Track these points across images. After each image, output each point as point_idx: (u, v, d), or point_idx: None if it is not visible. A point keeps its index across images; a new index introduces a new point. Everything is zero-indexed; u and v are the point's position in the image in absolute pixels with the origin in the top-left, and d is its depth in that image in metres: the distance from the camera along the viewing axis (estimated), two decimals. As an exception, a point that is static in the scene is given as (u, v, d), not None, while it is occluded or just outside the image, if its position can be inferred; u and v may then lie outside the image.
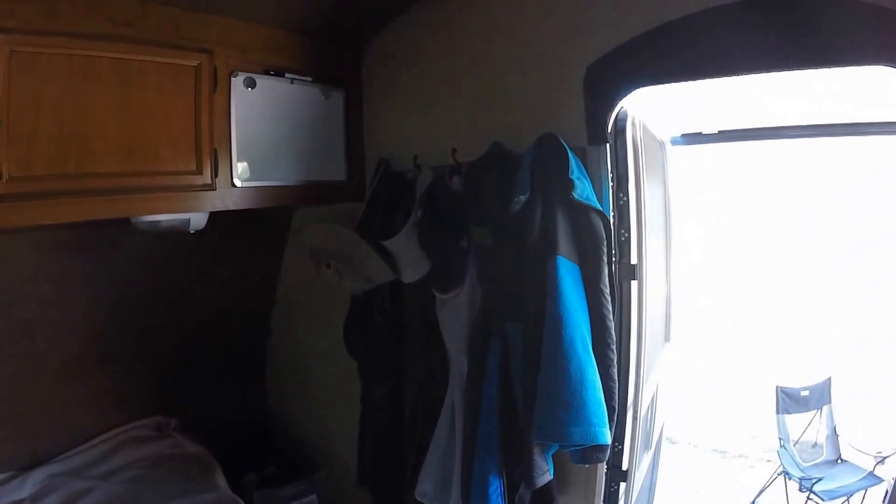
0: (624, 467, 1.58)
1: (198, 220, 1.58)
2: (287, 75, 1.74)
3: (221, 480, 1.94)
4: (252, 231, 1.87)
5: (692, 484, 4.07)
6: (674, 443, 4.50)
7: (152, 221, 1.51)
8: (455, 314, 1.58)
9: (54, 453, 2.08)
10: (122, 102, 1.42)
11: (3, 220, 1.27)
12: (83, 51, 1.34)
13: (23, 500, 1.88)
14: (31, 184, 1.29)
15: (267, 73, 1.68)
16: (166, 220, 1.52)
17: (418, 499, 1.62)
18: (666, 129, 1.99)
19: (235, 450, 2.18)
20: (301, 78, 1.77)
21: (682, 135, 1.99)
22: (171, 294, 2.04)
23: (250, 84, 1.62)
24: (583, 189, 1.32)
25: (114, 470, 1.99)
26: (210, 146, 1.52)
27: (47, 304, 1.81)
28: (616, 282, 1.42)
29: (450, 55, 1.73)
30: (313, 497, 2.23)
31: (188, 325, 2.14)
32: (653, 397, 1.93)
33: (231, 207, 1.58)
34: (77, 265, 1.79)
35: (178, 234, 1.62)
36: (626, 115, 1.48)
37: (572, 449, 1.34)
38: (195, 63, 1.52)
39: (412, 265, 1.66)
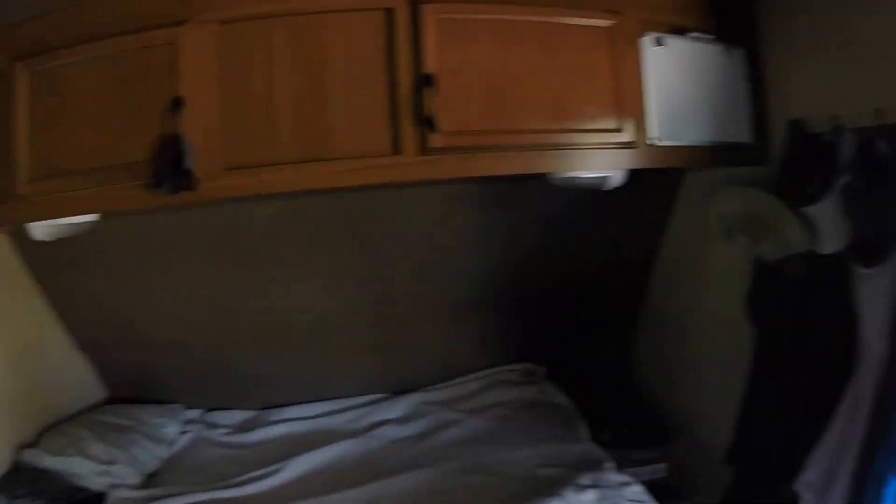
0: None
1: (614, 178, 1.63)
2: (691, 34, 1.67)
3: (585, 433, 1.99)
4: (640, 192, 1.86)
5: None
6: None
7: (570, 178, 1.60)
8: (877, 291, 1.42)
9: (426, 383, 2.40)
10: (545, 63, 1.53)
11: (441, 171, 1.48)
12: (507, 16, 1.49)
13: (392, 419, 2.24)
14: (465, 138, 1.46)
15: (673, 32, 1.64)
16: (586, 177, 1.60)
17: (798, 490, 1.49)
18: None
19: (594, 405, 2.22)
20: (704, 36, 1.69)
21: None
22: (556, 249, 2.18)
23: (660, 44, 1.61)
24: None
25: (483, 406, 2.21)
26: (629, 105, 1.55)
27: (446, 252, 2.09)
28: None
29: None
30: (663, 465, 2.15)
31: (567, 281, 2.27)
32: None
33: (647, 166, 1.60)
34: (478, 217, 2.04)
35: (574, 192, 1.71)
36: None
37: None
38: (609, 24, 1.56)
39: (832, 235, 1.48)
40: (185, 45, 1.45)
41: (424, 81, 1.40)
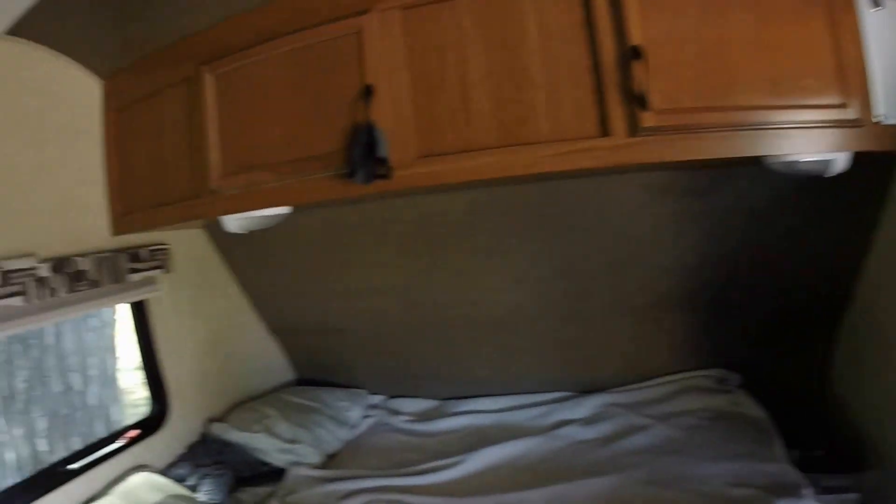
0: None
1: (838, 162, 1.38)
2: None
3: (781, 452, 1.77)
4: (855, 182, 1.59)
5: None
6: None
7: (790, 162, 1.38)
8: None
9: (613, 384, 2.26)
10: (757, 31, 1.30)
11: (652, 153, 1.30)
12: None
13: (577, 419, 2.13)
14: (677, 116, 1.27)
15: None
16: (807, 161, 1.38)
17: None
18: None
19: (786, 421, 1.97)
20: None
21: None
22: (760, 247, 1.92)
23: (877, 5, 1.32)
24: None
25: (671, 413, 2.02)
26: (851, 77, 1.28)
27: (643, 245, 1.92)
28: None
29: None
30: (856, 496, 1.85)
31: (767, 284, 2.02)
32: None
33: (876, 148, 1.33)
34: (677, 207, 1.83)
35: (787, 180, 1.47)
36: None
37: None
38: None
39: None
40: (369, 34, 1.43)
41: (632, 54, 1.25)
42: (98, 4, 1.61)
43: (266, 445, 2.12)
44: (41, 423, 2.34)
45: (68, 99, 1.89)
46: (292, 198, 1.54)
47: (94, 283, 1.84)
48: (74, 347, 2.47)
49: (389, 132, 1.37)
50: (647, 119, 1.24)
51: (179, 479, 2.01)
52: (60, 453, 2.33)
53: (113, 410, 2.66)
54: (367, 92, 1.39)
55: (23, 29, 1.66)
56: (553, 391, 2.33)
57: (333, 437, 2.23)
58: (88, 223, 1.91)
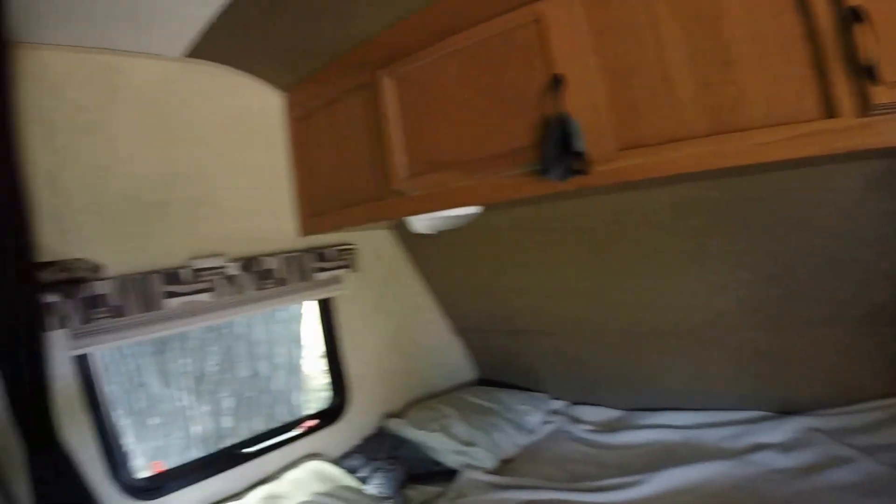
0: None
1: None
2: None
3: None
4: None
5: None
6: None
7: None
8: None
9: (816, 406, 1.96)
10: None
11: (886, 136, 1.07)
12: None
13: (774, 444, 1.84)
14: None
15: None
16: None
17: None
18: None
19: None
20: None
21: None
22: None
23: None
24: None
25: (882, 446, 1.73)
26: None
27: (863, 246, 1.62)
28: None
29: None
30: None
31: None
32: None
33: None
34: None
35: None
36: None
37: None
38: None
39: None
40: (552, 20, 1.33)
41: (852, 17, 1.03)
42: (269, 21, 1.67)
43: (441, 445, 2.12)
44: (227, 403, 2.58)
45: (253, 112, 2.04)
46: (481, 197, 1.48)
47: (281, 282, 1.96)
48: (263, 337, 2.68)
49: (585, 123, 1.25)
50: (880, 94, 1.00)
51: (351, 470, 2.08)
52: (243, 431, 2.55)
53: (295, 396, 2.84)
54: (557, 82, 1.28)
55: (203, 51, 1.80)
56: (749, 409, 2.06)
57: (510, 441, 2.18)
58: (276, 225, 2.05)
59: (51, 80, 1.59)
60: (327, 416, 2.24)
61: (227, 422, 2.55)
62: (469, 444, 2.10)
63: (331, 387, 2.29)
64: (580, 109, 1.27)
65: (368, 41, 1.74)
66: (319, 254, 2.09)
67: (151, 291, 1.65)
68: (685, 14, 1.19)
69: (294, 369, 2.84)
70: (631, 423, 2.19)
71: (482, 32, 1.45)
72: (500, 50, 1.42)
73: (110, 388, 2.66)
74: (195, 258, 1.78)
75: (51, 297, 1.48)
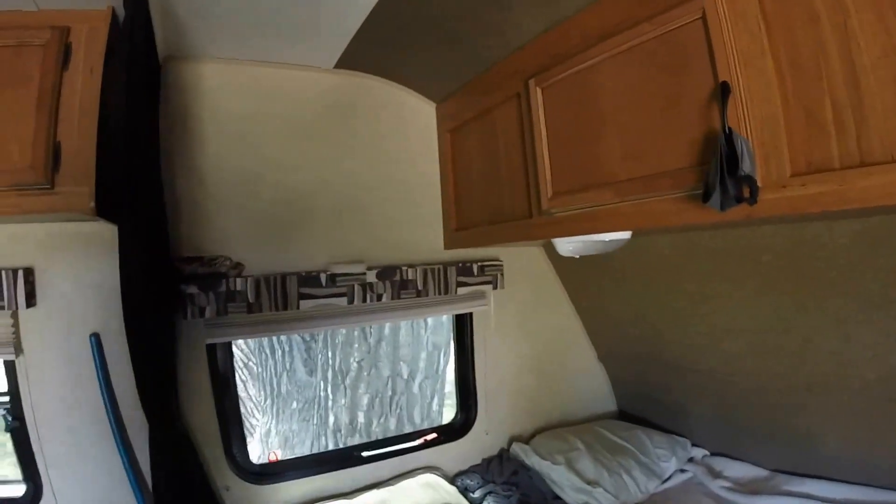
0: None
1: None
2: None
3: None
4: None
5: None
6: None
7: None
8: None
9: None
10: None
11: None
12: None
13: None
14: None
15: None
16: None
17: None
18: None
19: None
20: None
21: None
22: None
23: None
24: None
25: None
26: None
27: None
28: None
29: None
30: None
31: None
32: None
33: None
34: None
35: None
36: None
37: None
38: None
39: None
40: (719, 15, 1.13)
41: None
42: (420, 33, 1.65)
43: (563, 479, 1.98)
44: (364, 399, 2.64)
45: (405, 122, 2.06)
46: (633, 222, 1.32)
47: (421, 293, 1.96)
48: (408, 341, 2.70)
49: (753, 142, 1.05)
50: None
51: (465, 489, 2.02)
52: (376, 428, 2.60)
53: (436, 402, 2.83)
54: (724, 90, 1.09)
55: (354, 62, 1.83)
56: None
57: (638, 487, 1.97)
58: (421, 237, 2.05)
59: (205, 91, 1.72)
60: (450, 431, 2.20)
61: (361, 417, 2.62)
62: (592, 482, 1.93)
63: (458, 402, 2.25)
64: (750, 124, 1.07)
65: (521, 49, 1.64)
66: (463, 268, 2.06)
67: (287, 292, 1.73)
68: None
69: (437, 376, 2.82)
70: (775, 487, 1.86)
71: (640, 34, 1.27)
72: (659, 54, 1.24)
73: (260, 370, 2.94)
74: (334, 263, 1.84)
75: (191, 289, 1.61)
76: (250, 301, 1.69)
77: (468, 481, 2.07)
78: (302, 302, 1.76)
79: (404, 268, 1.93)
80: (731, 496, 1.89)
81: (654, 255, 1.86)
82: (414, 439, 2.11)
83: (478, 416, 2.20)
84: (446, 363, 2.87)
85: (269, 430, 3.04)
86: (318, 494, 1.87)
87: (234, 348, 3.60)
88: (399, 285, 1.91)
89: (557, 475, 2.00)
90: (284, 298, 1.73)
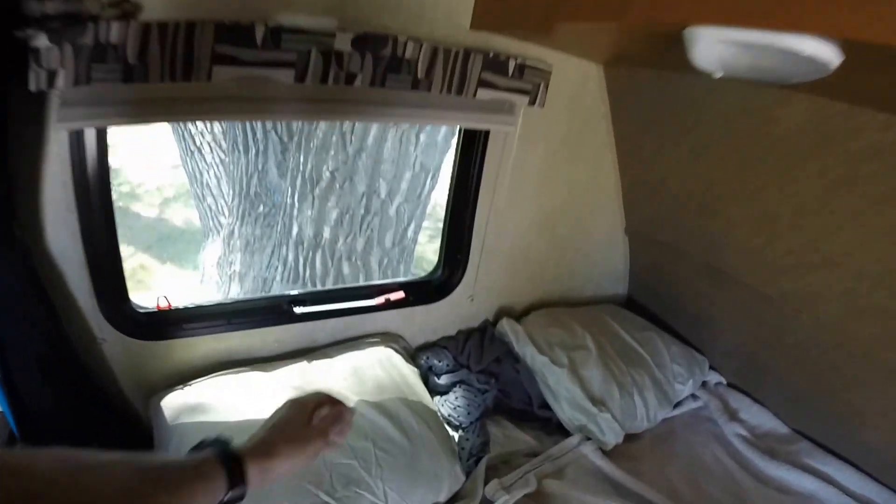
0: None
1: None
2: None
3: None
4: None
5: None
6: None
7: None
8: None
9: None
10: None
11: None
12: None
13: None
14: None
15: None
16: None
17: None
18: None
19: None
20: None
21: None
22: None
23: None
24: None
25: None
26: None
27: None
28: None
29: None
30: None
31: None
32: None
33: None
34: None
35: None
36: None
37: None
38: None
39: None
40: None
41: None
42: None
43: (562, 389, 1.49)
44: (333, 214, 2.20)
45: None
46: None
47: (420, 84, 1.16)
48: (393, 157, 2.13)
49: None
50: None
51: (429, 371, 1.55)
52: (341, 244, 2.23)
53: (409, 228, 2.37)
54: None
55: None
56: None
57: (647, 413, 1.51)
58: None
59: None
60: (425, 291, 1.62)
61: (326, 232, 2.22)
62: (599, 402, 1.45)
63: (444, 255, 1.63)
64: None
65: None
66: (494, 60, 1.23)
67: (194, 51, 0.95)
68: None
69: (418, 201, 2.30)
70: (794, 455, 1.45)
71: None
72: None
73: (232, 167, 2.83)
74: (283, 11, 1.03)
75: (38, 39, 0.84)
76: (130, 62, 0.91)
77: (435, 361, 1.57)
78: (218, 69, 0.97)
79: (401, 39, 1.12)
80: (745, 451, 1.46)
81: (781, 130, 1.14)
82: (373, 296, 1.53)
83: (465, 275, 1.62)
84: (432, 188, 2.32)
85: (232, 232, 2.88)
86: (225, 357, 1.35)
87: (205, 144, 3.05)
88: (387, 64, 1.10)
89: (556, 381, 1.50)
90: (188, 62, 0.95)
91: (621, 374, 1.52)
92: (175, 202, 4.87)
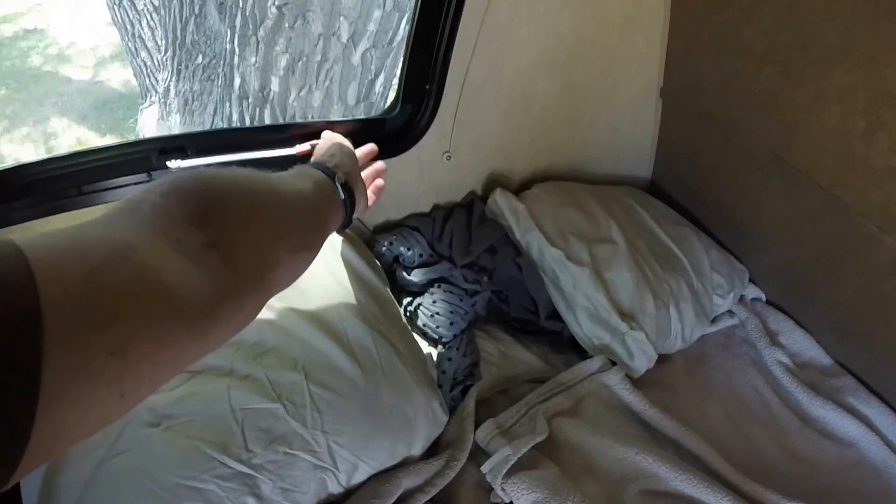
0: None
1: None
2: None
3: None
4: None
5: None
6: None
7: None
8: None
9: None
10: None
11: None
12: None
13: None
14: None
15: None
16: None
17: None
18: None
19: None
20: None
21: None
22: None
23: None
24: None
25: None
26: None
27: None
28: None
29: None
30: None
31: None
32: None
33: None
34: None
35: None
36: None
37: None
38: None
39: None
40: None
41: None
42: None
43: (580, 298, 1.06)
44: (283, 60, 1.80)
45: None
46: None
47: None
48: None
49: None
50: None
51: (394, 262, 1.10)
52: (293, 99, 1.87)
53: (377, 81, 1.88)
54: None
55: None
56: None
57: (680, 333, 1.12)
58: None
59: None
60: (374, 137, 0.97)
61: (275, 84, 1.84)
62: (628, 316, 1.03)
63: (402, 83, 1.06)
64: None
65: None
66: None
67: None
68: None
69: (389, 48, 1.83)
70: (837, 392, 1.13)
71: None
72: None
73: (165, 12, 2.44)
74: None
75: None
76: None
77: (402, 249, 1.08)
78: None
79: None
80: (788, 383, 1.12)
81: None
82: (292, 143, 0.96)
83: (437, 118, 1.09)
84: (406, 35, 1.81)
85: (167, 89, 2.56)
86: None
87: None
88: None
89: (572, 284, 1.06)
90: None
91: (656, 281, 1.10)
92: (112, 62, 4.19)
